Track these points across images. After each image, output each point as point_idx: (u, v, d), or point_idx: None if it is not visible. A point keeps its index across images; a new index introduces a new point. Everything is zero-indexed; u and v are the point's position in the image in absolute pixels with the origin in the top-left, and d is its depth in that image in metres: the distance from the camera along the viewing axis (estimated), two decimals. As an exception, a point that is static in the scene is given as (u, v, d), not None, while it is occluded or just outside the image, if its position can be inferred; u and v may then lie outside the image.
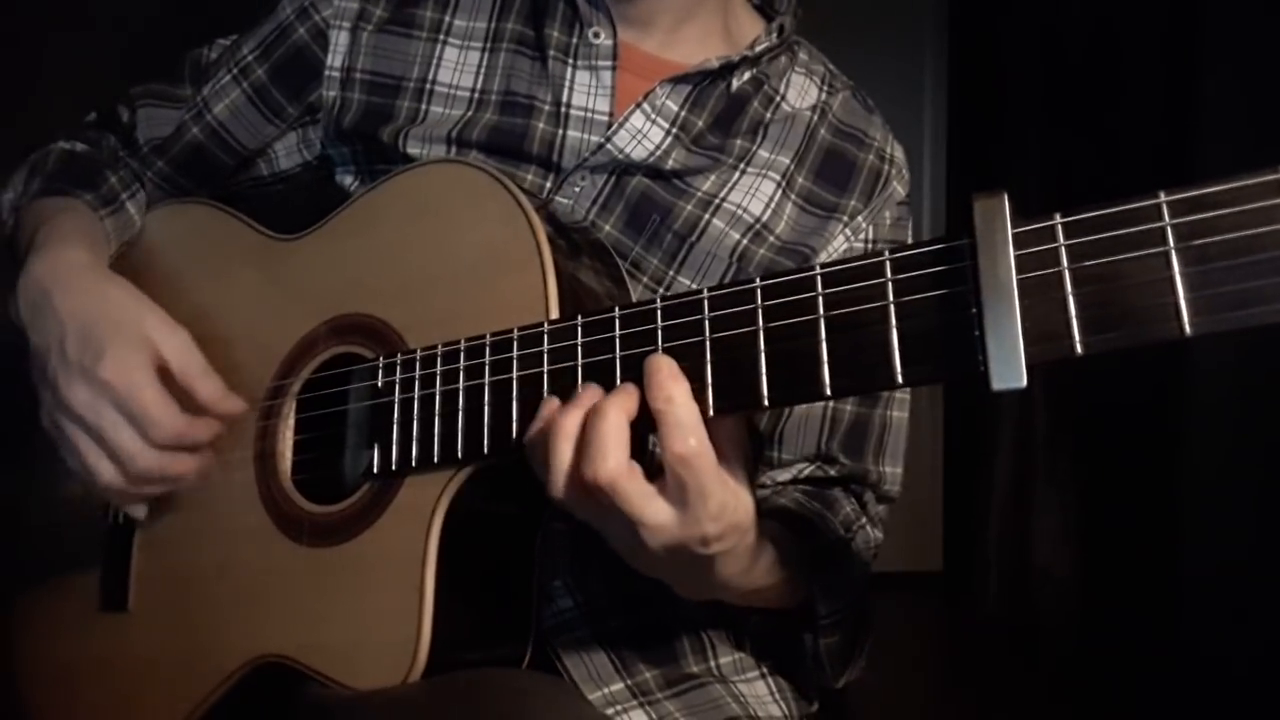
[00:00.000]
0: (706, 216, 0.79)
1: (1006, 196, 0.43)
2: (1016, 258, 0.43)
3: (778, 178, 0.82)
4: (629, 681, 0.74)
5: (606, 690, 0.73)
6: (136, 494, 0.72)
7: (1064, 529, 1.96)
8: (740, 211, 0.80)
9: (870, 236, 0.84)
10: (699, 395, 0.53)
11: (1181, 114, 1.80)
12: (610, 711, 0.71)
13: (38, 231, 0.76)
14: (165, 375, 0.71)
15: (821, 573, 0.69)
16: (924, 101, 2.23)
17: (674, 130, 0.79)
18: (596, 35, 0.79)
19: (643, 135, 0.78)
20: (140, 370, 0.69)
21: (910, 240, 0.86)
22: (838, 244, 0.82)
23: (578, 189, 0.78)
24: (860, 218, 0.83)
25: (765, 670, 0.81)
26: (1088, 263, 0.42)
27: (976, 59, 2.26)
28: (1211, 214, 0.40)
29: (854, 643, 0.74)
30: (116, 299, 0.72)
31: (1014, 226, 0.43)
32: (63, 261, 0.73)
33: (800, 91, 0.86)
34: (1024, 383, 0.42)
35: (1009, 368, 0.42)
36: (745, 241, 0.79)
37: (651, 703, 0.73)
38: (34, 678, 0.81)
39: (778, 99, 0.84)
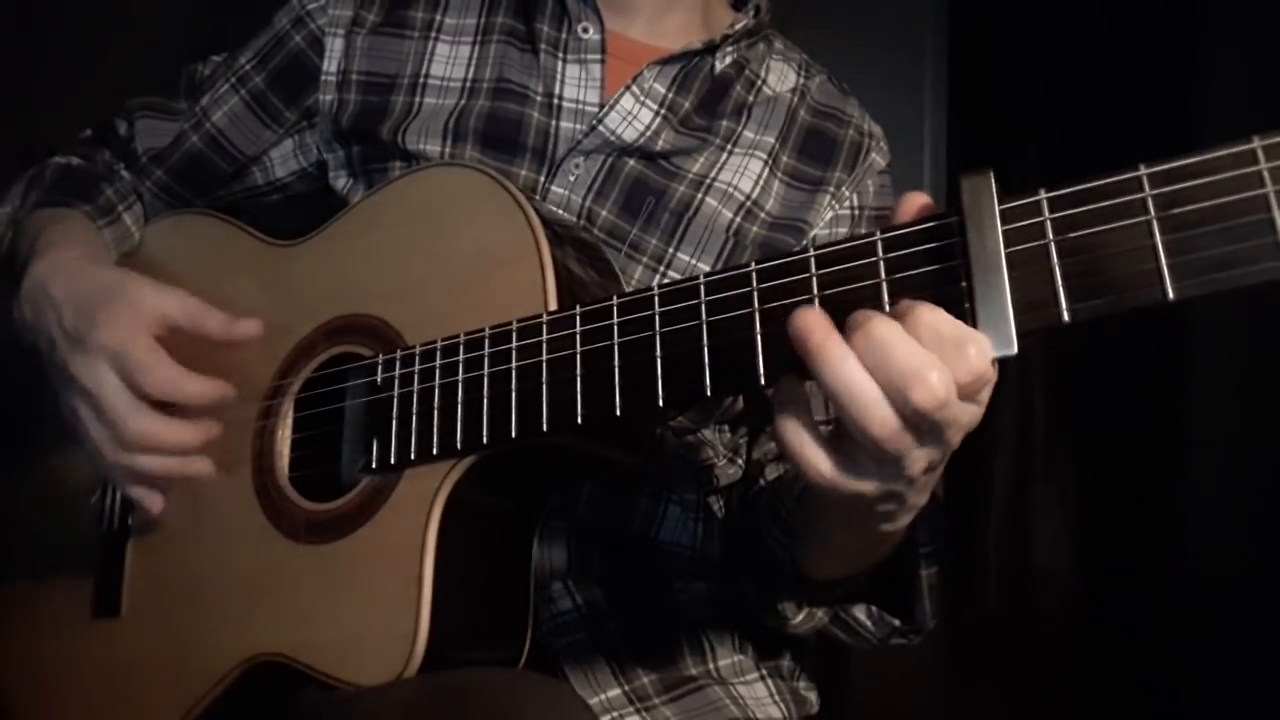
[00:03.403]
0: (699, 195, 0.80)
1: (993, 174, 0.45)
2: (1004, 232, 0.44)
3: (764, 156, 0.83)
4: (626, 688, 0.74)
5: (603, 696, 0.73)
6: (141, 473, 0.71)
7: (1064, 528, 1.96)
8: (731, 190, 0.81)
9: (855, 204, 0.86)
10: (697, 380, 0.53)
11: (1182, 110, 1.82)
12: (607, 718, 0.71)
13: (38, 238, 0.78)
14: (165, 341, 0.71)
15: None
16: (924, 101, 2.24)
17: (662, 111, 0.81)
18: (585, 30, 0.81)
19: (633, 116, 0.80)
20: (131, 329, 0.69)
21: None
22: (826, 215, 0.84)
23: (572, 177, 0.79)
24: (844, 188, 0.85)
25: (765, 672, 0.81)
26: (1072, 234, 0.43)
27: (976, 57, 2.28)
28: (1189, 184, 0.41)
29: (942, 580, 0.71)
30: (107, 278, 0.74)
31: (1001, 203, 0.45)
32: (60, 258, 0.75)
33: (780, 76, 0.88)
34: (1015, 350, 0.43)
35: (1000, 336, 0.43)
36: (739, 219, 0.81)
37: (649, 709, 0.73)
38: (26, 686, 0.81)
39: (759, 83, 0.87)
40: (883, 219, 0.86)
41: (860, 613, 0.70)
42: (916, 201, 0.49)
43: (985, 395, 0.46)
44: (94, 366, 0.69)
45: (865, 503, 0.51)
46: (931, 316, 0.44)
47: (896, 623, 0.70)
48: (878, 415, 0.44)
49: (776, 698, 0.81)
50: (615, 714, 0.72)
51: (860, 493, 0.49)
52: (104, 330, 0.69)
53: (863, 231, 0.84)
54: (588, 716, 0.62)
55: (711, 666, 0.78)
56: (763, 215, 0.81)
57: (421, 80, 0.82)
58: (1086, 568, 1.90)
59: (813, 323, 0.46)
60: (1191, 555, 1.74)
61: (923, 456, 0.47)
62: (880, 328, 0.44)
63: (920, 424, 0.45)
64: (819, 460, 0.48)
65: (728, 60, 0.85)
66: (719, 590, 0.80)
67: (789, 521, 0.69)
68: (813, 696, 0.85)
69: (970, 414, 0.47)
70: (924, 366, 0.43)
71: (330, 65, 0.84)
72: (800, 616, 0.70)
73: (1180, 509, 1.79)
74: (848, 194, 0.85)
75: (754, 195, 0.81)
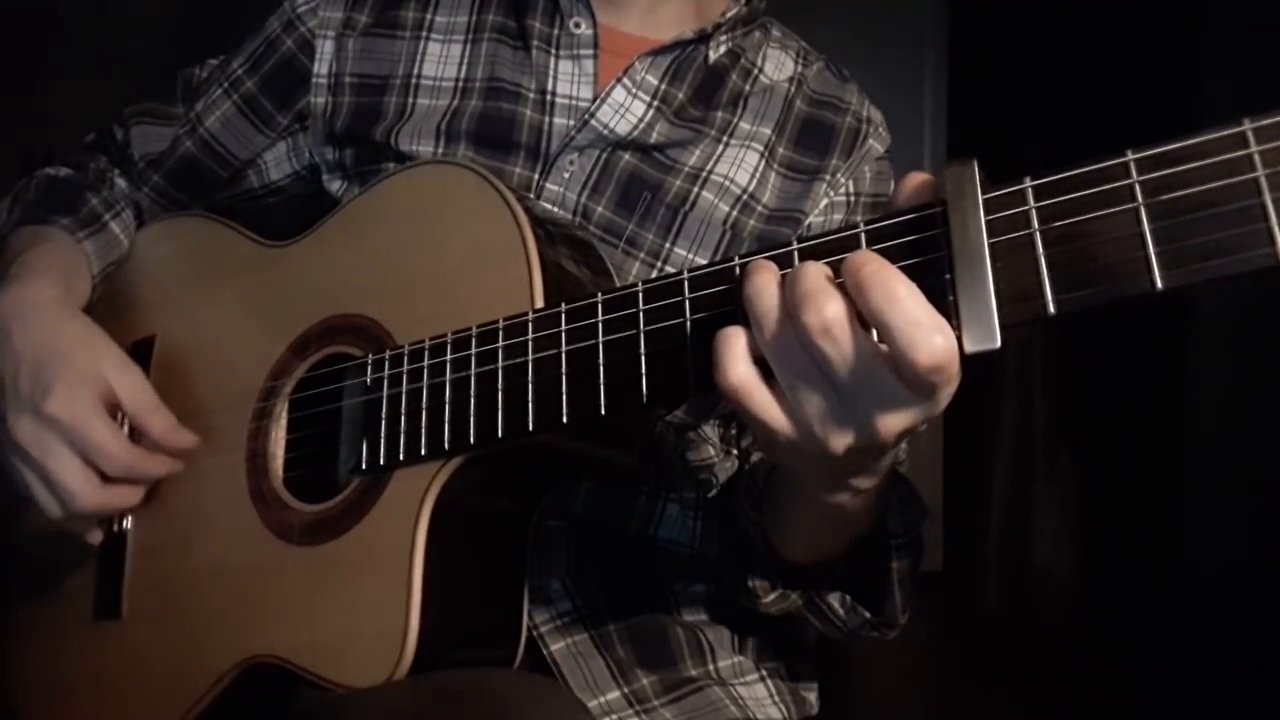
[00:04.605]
0: (695, 189, 0.80)
1: (976, 163, 0.44)
2: (988, 222, 0.43)
3: (761, 148, 0.83)
4: (626, 690, 0.73)
5: (603, 699, 0.72)
6: (85, 524, 0.73)
7: (1064, 529, 1.95)
8: (728, 183, 0.80)
9: (851, 190, 0.85)
10: (680, 376, 0.53)
11: (1182, 112, 1.82)
12: None
13: (13, 262, 0.77)
14: (117, 412, 0.72)
15: (892, 487, 0.67)
16: (924, 100, 2.24)
17: (655, 103, 0.81)
18: (577, 25, 0.81)
19: (625, 109, 0.80)
20: (87, 405, 0.69)
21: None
22: (821, 203, 0.83)
23: (567, 174, 0.79)
24: (840, 174, 0.84)
25: (764, 673, 0.81)
26: (1058, 223, 0.42)
27: (976, 57, 2.28)
28: (1178, 169, 0.40)
29: (915, 575, 0.72)
30: (72, 335, 0.73)
31: (984, 192, 0.44)
32: (26, 298, 0.74)
33: (777, 64, 0.87)
34: (997, 344, 0.42)
35: (982, 329, 0.42)
36: (735, 213, 0.80)
37: (648, 710, 0.73)
38: (28, 688, 0.81)
39: (755, 71, 0.86)
40: (879, 206, 0.86)
41: (834, 600, 0.70)
42: (914, 180, 0.48)
43: (943, 395, 0.46)
44: (43, 437, 0.69)
45: (791, 458, 0.51)
46: (908, 295, 0.44)
47: (868, 614, 0.69)
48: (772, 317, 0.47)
49: (776, 698, 0.81)
50: (615, 717, 0.72)
51: (765, 423, 0.49)
52: (58, 402, 0.69)
53: (858, 219, 0.84)
54: (585, 718, 0.62)
55: (711, 667, 0.78)
56: (759, 208, 0.81)
57: (414, 81, 0.81)
58: (1086, 568, 1.90)
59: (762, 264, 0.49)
60: (1191, 555, 1.74)
61: (833, 418, 0.47)
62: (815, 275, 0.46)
63: (815, 354, 0.45)
64: (740, 363, 0.48)
65: (722, 49, 0.84)
66: (718, 591, 0.80)
67: (759, 497, 0.69)
68: (812, 697, 0.85)
69: (914, 409, 0.46)
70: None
71: (321, 68, 0.84)
72: (772, 596, 0.70)
73: (1180, 509, 1.78)
74: (843, 180, 0.84)
75: (750, 188, 0.81)
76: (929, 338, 0.43)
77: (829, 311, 0.45)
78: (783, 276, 0.48)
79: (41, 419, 0.69)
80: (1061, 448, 2.01)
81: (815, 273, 0.46)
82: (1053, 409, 2.03)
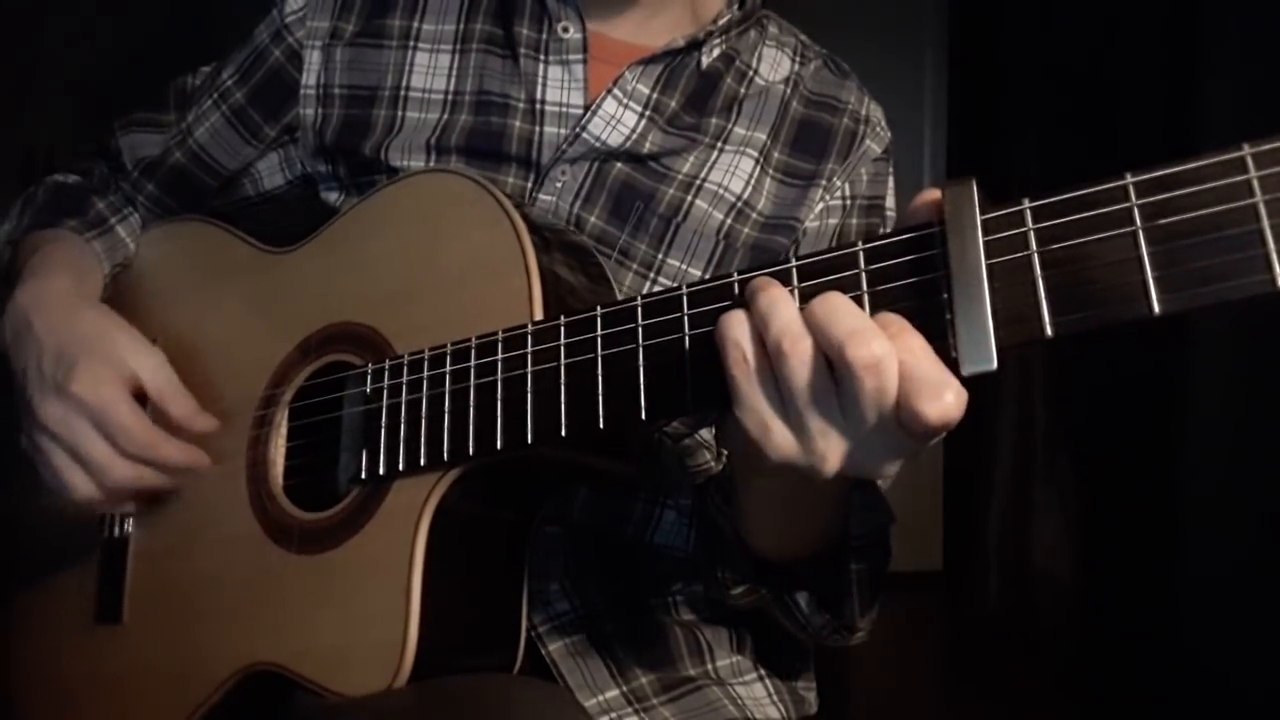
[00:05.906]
0: (689, 198, 0.79)
1: (975, 183, 0.44)
2: (985, 243, 0.43)
3: (756, 154, 0.82)
4: (625, 688, 0.74)
5: (601, 697, 0.73)
6: (115, 502, 0.74)
7: (1064, 529, 1.96)
8: (722, 191, 0.80)
9: (847, 193, 0.84)
10: (679, 391, 0.53)
11: (1181, 112, 1.81)
12: (605, 719, 0.71)
13: (28, 261, 0.79)
14: (139, 396, 0.73)
15: (856, 490, 0.68)
16: (924, 101, 2.24)
17: (647, 113, 0.80)
18: (565, 30, 0.80)
19: (617, 121, 0.79)
20: (111, 385, 0.71)
21: (891, 195, 0.87)
22: (817, 208, 0.82)
23: (559, 184, 0.78)
24: (836, 178, 0.83)
25: (763, 672, 0.81)
26: (1056, 245, 0.42)
27: (976, 58, 2.28)
28: (1177, 193, 0.40)
29: (877, 579, 0.71)
30: (91, 320, 0.75)
31: (983, 212, 0.44)
32: (45, 289, 0.76)
33: (772, 64, 0.86)
34: (994, 365, 0.42)
35: (979, 351, 0.42)
36: (730, 221, 0.79)
37: (647, 709, 0.73)
38: (29, 691, 0.81)
39: (750, 74, 0.85)
40: (875, 209, 0.85)
41: (801, 597, 0.69)
42: (924, 198, 0.48)
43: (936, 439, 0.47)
44: (68, 417, 0.71)
45: (751, 446, 0.51)
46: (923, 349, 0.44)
47: (829, 615, 0.69)
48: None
49: (775, 698, 0.81)
50: (613, 715, 0.72)
51: (742, 390, 0.49)
52: (83, 384, 0.70)
53: (852, 221, 0.83)
54: (584, 719, 0.62)
55: (710, 667, 0.78)
56: (754, 216, 0.80)
57: (402, 93, 0.81)
58: (1086, 568, 1.90)
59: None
60: (1190, 556, 1.74)
61: (840, 447, 0.48)
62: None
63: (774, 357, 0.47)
64: (744, 341, 0.49)
65: (715, 53, 0.83)
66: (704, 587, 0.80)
67: (729, 490, 0.69)
68: (811, 697, 0.85)
69: (894, 434, 0.47)
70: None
71: (309, 79, 0.83)
72: (740, 589, 0.70)
73: (1179, 511, 1.79)
74: (839, 184, 0.83)
75: (745, 196, 0.80)
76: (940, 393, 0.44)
77: (878, 348, 0.44)
78: (805, 308, 0.47)
79: (67, 399, 0.70)
80: (1061, 449, 2.02)
81: (850, 310, 0.46)
82: (1053, 411, 2.04)
